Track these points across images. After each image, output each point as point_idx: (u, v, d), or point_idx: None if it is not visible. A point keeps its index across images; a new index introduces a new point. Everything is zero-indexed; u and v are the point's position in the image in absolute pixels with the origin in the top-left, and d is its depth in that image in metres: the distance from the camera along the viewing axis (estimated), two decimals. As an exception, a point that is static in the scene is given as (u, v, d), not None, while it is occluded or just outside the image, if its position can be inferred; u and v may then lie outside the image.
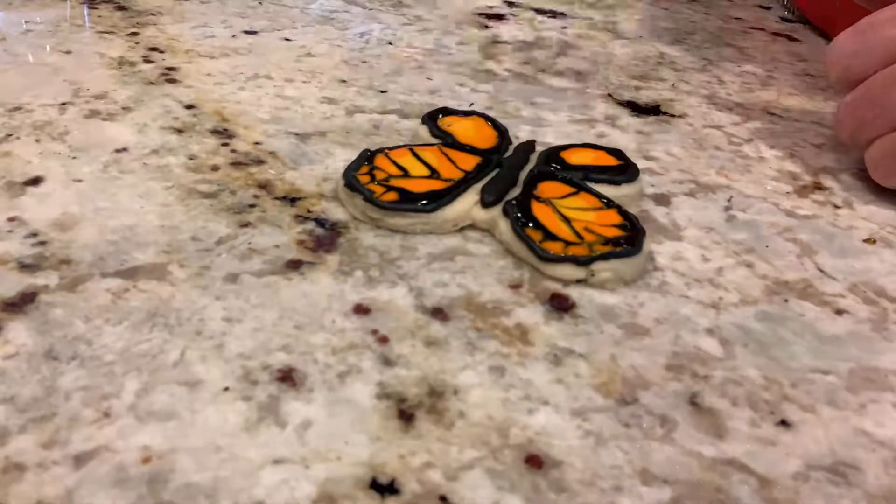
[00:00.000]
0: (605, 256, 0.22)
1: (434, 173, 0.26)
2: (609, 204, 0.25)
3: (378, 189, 0.24)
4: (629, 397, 0.19)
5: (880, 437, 0.18)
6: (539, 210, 0.24)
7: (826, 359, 0.21)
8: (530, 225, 0.23)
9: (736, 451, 0.17)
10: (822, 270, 0.24)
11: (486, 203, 0.24)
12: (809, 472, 0.17)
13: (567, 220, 0.24)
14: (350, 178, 0.25)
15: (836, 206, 0.28)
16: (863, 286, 0.24)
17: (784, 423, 0.18)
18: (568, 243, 0.23)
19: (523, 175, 0.26)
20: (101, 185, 0.25)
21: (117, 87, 0.33)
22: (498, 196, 0.25)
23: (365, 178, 0.25)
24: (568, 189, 0.25)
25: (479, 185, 0.25)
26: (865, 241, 0.26)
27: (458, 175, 0.26)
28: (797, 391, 0.19)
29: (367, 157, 0.26)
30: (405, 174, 0.25)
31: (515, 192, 0.25)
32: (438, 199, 0.24)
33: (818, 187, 0.30)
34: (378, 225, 0.24)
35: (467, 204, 0.25)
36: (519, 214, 0.24)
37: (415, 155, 0.27)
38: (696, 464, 0.17)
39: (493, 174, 0.26)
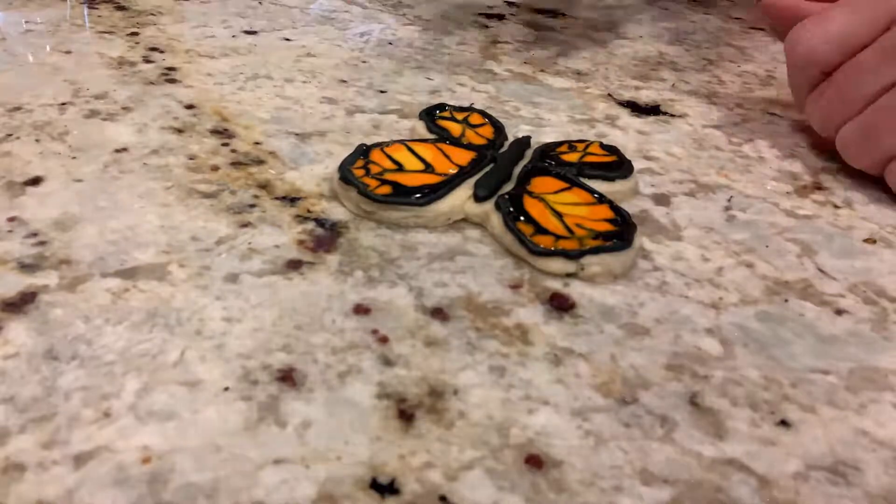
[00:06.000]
0: (594, 251, 0.22)
1: (428, 168, 0.26)
2: (601, 199, 0.25)
3: (372, 182, 0.25)
4: (629, 397, 0.19)
5: (880, 437, 0.18)
6: (531, 205, 0.24)
7: (826, 359, 0.21)
8: (522, 219, 0.23)
9: (736, 451, 0.17)
10: (822, 270, 0.24)
11: (478, 197, 0.25)
12: (809, 472, 0.17)
13: (559, 215, 0.24)
14: (345, 172, 0.25)
15: (836, 206, 0.28)
16: (863, 286, 0.24)
17: (784, 423, 0.18)
18: (558, 237, 0.23)
19: (517, 170, 0.27)
20: (101, 185, 0.25)
21: (117, 87, 0.33)
22: (491, 191, 0.25)
23: (360, 172, 0.25)
24: (561, 184, 0.25)
25: (472, 180, 0.25)
26: (865, 241, 0.26)
27: (452, 169, 0.26)
28: (797, 391, 0.19)
29: (363, 151, 0.26)
30: (400, 168, 0.26)
31: (509, 186, 0.25)
32: (432, 192, 0.24)
33: (818, 187, 0.30)
34: (372, 218, 0.24)
35: (460, 198, 0.25)
36: (511, 209, 0.24)
37: (410, 150, 0.27)
38: (696, 464, 0.17)
39: (487, 169, 0.26)
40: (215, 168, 0.27)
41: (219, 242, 0.23)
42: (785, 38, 0.31)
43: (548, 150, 0.28)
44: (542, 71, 0.39)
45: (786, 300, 0.23)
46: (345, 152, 0.27)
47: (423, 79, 0.37)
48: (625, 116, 0.35)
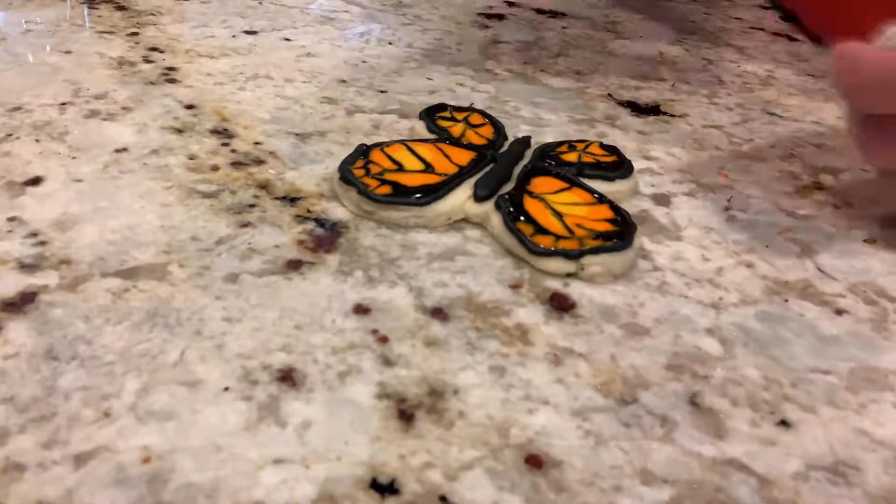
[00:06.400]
0: (594, 251, 0.22)
1: (428, 167, 0.26)
2: (601, 199, 0.25)
3: (372, 182, 0.25)
4: (629, 397, 0.19)
5: (880, 437, 0.18)
6: (531, 205, 0.24)
7: (826, 359, 0.21)
8: (522, 219, 0.23)
9: (736, 451, 0.17)
10: (822, 270, 0.24)
11: (478, 197, 0.25)
12: (809, 472, 0.17)
13: (559, 215, 0.24)
14: (345, 172, 0.25)
15: (836, 207, 0.28)
16: (863, 286, 0.24)
17: (784, 423, 0.18)
18: (559, 237, 0.23)
19: (517, 170, 0.27)
20: (101, 185, 0.25)
21: (117, 87, 0.33)
22: (491, 191, 0.25)
23: (360, 172, 0.25)
24: (561, 184, 0.25)
25: (472, 180, 0.25)
26: (865, 241, 0.26)
27: (452, 169, 0.26)
28: (797, 391, 0.19)
29: (363, 151, 0.26)
30: (399, 168, 0.26)
31: (509, 186, 0.25)
32: (432, 192, 0.24)
33: (818, 187, 0.30)
34: (372, 218, 0.24)
35: (460, 198, 0.25)
36: (511, 209, 0.24)
37: (410, 150, 0.27)
38: (696, 464, 0.17)
39: (487, 169, 0.26)
40: (215, 168, 0.27)
41: (219, 242, 0.23)
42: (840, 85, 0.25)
43: (548, 150, 0.28)
44: (542, 71, 0.39)
45: (786, 300, 0.23)
46: (345, 152, 0.27)
47: (423, 79, 0.37)
48: (625, 116, 0.35)
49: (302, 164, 0.28)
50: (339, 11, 0.46)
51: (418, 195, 0.24)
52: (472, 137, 0.29)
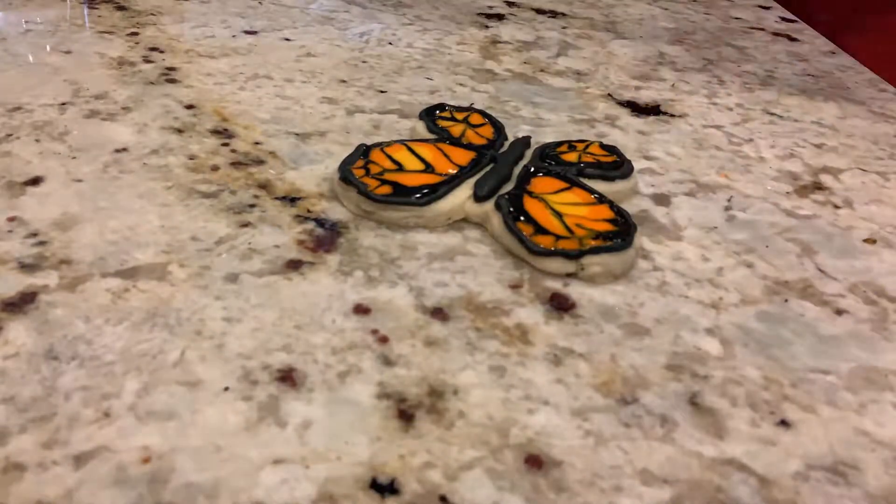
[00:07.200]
0: (594, 251, 0.22)
1: (428, 167, 0.26)
2: (601, 199, 0.25)
3: (372, 182, 0.25)
4: (629, 397, 0.19)
5: (880, 437, 0.18)
6: (531, 205, 0.24)
7: (826, 359, 0.21)
8: (522, 219, 0.23)
9: (736, 451, 0.17)
10: (822, 270, 0.24)
11: (478, 197, 0.25)
12: (809, 472, 0.17)
13: (559, 215, 0.24)
14: (345, 172, 0.25)
15: (836, 206, 0.28)
16: (863, 286, 0.24)
17: (784, 423, 0.18)
18: (559, 237, 0.23)
19: (517, 170, 0.27)
20: (101, 185, 0.25)
21: (117, 87, 0.33)
22: (491, 190, 0.25)
23: (360, 172, 0.25)
24: (561, 184, 0.25)
25: (472, 180, 0.25)
26: (865, 241, 0.26)
27: (452, 170, 0.26)
28: (797, 391, 0.19)
29: (363, 151, 0.26)
30: (399, 168, 0.26)
31: (509, 186, 0.26)
32: (432, 192, 0.24)
33: (818, 187, 0.30)
34: (372, 218, 0.24)
35: (460, 198, 0.25)
36: (511, 209, 0.24)
37: (410, 150, 0.27)
38: (696, 464, 0.17)
39: (487, 169, 0.26)
40: (215, 168, 0.27)
41: (219, 242, 0.23)
42: None
43: (548, 150, 0.28)
44: (542, 71, 0.39)
45: (786, 300, 0.23)
46: (345, 152, 0.27)
47: (423, 79, 0.37)
48: (625, 116, 0.35)
49: (302, 164, 0.28)
50: (339, 11, 0.46)
51: (418, 195, 0.24)
52: (472, 137, 0.29)
